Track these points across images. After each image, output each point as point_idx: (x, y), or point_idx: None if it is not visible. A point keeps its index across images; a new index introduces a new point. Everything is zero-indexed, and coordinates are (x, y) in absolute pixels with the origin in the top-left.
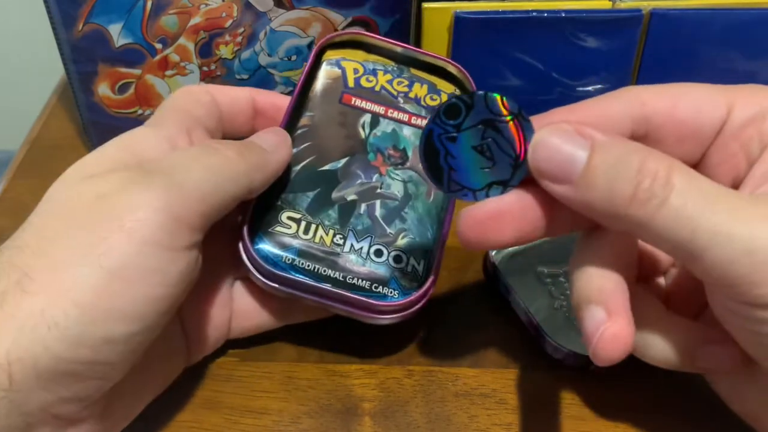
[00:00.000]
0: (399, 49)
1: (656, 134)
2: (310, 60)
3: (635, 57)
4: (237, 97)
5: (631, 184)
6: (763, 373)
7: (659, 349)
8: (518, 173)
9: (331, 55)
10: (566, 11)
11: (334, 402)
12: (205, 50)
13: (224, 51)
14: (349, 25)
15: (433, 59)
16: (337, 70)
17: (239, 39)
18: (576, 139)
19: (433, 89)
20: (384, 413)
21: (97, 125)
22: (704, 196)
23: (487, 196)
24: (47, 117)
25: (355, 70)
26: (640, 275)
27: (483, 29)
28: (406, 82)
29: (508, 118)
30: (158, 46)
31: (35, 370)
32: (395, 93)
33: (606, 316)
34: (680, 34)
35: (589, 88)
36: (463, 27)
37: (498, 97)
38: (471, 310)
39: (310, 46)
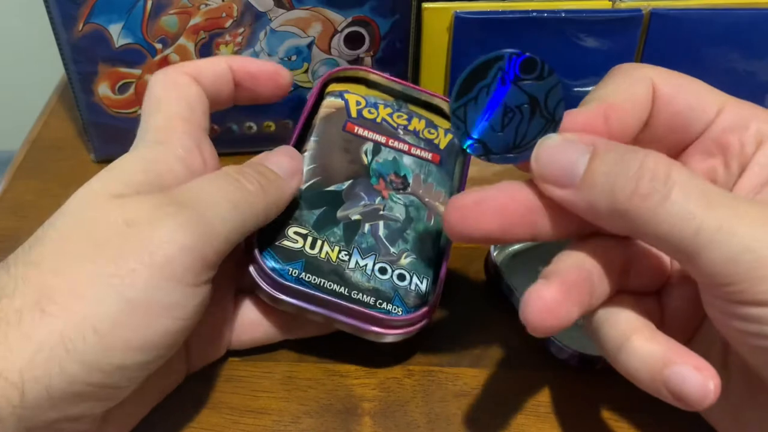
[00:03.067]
0: (398, 87)
1: (652, 120)
2: (314, 90)
3: (635, 57)
4: (217, 73)
5: (632, 180)
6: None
7: (630, 357)
8: (505, 157)
9: (335, 87)
10: (566, 11)
11: (334, 402)
12: (205, 50)
13: (224, 51)
14: (349, 25)
15: (429, 97)
16: (340, 101)
17: (239, 39)
18: (578, 146)
19: (431, 124)
20: (384, 413)
21: (97, 125)
22: (704, 194)
23: (469, 150)
24: (47, 117)
25: (358, 102)
26: (635, 292)
27: (483, 29)
28: (405, 116)
29: (549, 118)
30: (158, 46)
31: (48, 389)
32: (395, 125)
33: (543, 282)
34: (680, 34)
35: (589, 89)
36: (463, 27)
37: (561, 98)
38: (472, 311)
39: (310, 46)
